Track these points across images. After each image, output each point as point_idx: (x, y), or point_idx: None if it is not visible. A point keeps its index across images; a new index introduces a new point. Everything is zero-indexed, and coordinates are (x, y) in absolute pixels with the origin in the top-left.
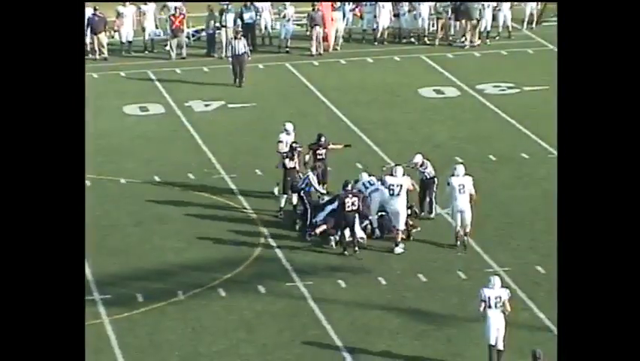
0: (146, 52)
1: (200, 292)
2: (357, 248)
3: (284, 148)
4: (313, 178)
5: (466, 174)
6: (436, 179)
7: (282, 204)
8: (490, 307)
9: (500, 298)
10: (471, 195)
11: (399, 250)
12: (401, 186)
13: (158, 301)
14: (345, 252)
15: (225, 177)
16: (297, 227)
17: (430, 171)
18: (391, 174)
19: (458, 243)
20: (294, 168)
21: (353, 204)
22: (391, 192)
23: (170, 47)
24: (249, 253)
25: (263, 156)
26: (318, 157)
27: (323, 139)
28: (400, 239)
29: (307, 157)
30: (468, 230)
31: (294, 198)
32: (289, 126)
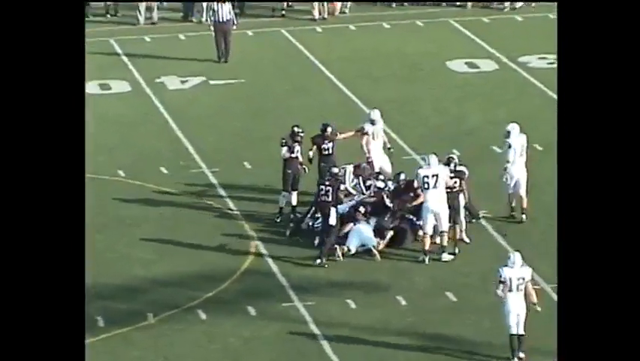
0: (108, 15)
1: (175, 314)
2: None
3: (370, 143)
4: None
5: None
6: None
7: (281, 205)
8: (511, 290)
9: (523, 279)
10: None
11: (446, 257)
12: (437, 176)
13: (123, 326)
14: (318, 260)
15: (206, 172)
16: (288, 232)
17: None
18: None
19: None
20: (296, 158)
21: (327, 193)
22: (425, 185)
23: (138, 9)
24: (236, 265)
25: (253, 144)
26: (324, 152)
27: (329, 129)
28: (446, 243)
29: (310, 153)
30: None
31: (294, 197)
32: (375, 114)
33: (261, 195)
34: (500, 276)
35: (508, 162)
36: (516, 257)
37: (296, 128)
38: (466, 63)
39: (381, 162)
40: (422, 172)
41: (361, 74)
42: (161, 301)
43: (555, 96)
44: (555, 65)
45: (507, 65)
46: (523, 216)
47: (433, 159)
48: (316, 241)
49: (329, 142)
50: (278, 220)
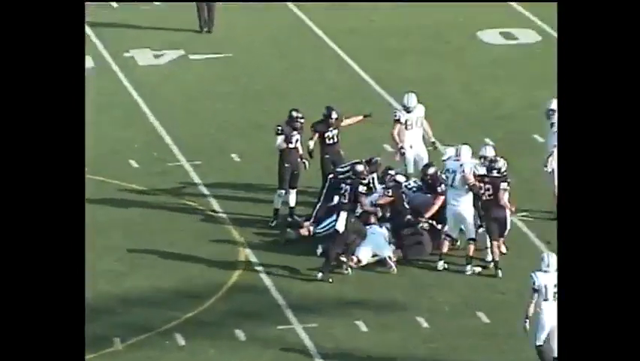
0: None
1: (148, 338)
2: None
3: (402, 133)
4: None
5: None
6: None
7: (277, 205)
8: (546, 299)
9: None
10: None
11: (470, 270)
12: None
13: (86, 352)
14: (320, 273)
15: (185, 165)
16: (283, 239)
17: (500, 166)
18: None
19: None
20: (295, 149)
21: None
22: (453, 182)
23: None
24: (222, 279)
25: (242, 133)
26: (328, 142)
27: (334, 115)
28: (472, 253)
29: (311, 143)
30: (472, 245)
31: (292, 197)
32: (411, 99)
33: (252, 194)
34: (534, 283)
35: (554, 146)
36: (551, 259)
37: (294, 113)
38: (501, 34)
39: (416, 155)
40: (450, 165)
41: (376, 49)
42: (130, 323)
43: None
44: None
45: (551, 37)
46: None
47: (465, 150)
48: (319, 250)
49: (334, 129)
50: (273, 225)
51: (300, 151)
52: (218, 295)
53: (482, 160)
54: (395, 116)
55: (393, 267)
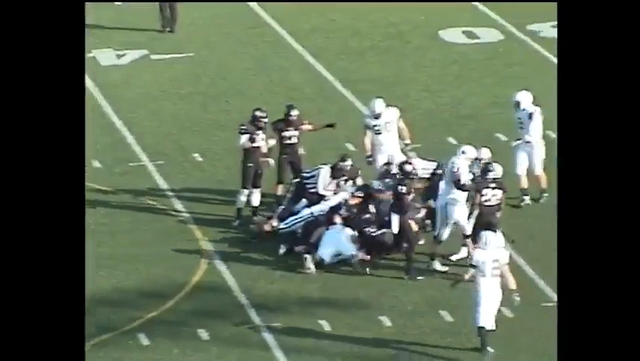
0: None
1: (111, 338)
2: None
3: (372, 139)
4: (324, 176)
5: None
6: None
7: (240, 205)
8: (484, 275)
9: (498, 261)
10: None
11: (438, 265)
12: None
13: None
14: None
15: (148, 165)
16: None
17: (498, 173)
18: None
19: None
20: (258, 148)
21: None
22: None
23: None
24: (185, 279)
25: (205, 132)
26: (286, 142)
27: (294, 114)
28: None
29: (271, 142)
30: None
31: (256, 196)
32: (378, 105)
33: (214, 193)
34: (472, 259)
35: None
36: (489, 238)
37: (258, 113)
38: (463, 33)
39: (390, 158)
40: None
41: (338, 48)
42: (93, 323)
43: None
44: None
45: (514, 35)
46: (544, 195)
47: (485, 152)
48: (281, 250)
49: (293, 129)
50: (236, 224)
51: (264, 150)
52: (181, 295)
53: (477, 162)
54: (364, 122)
55: (359, 266)
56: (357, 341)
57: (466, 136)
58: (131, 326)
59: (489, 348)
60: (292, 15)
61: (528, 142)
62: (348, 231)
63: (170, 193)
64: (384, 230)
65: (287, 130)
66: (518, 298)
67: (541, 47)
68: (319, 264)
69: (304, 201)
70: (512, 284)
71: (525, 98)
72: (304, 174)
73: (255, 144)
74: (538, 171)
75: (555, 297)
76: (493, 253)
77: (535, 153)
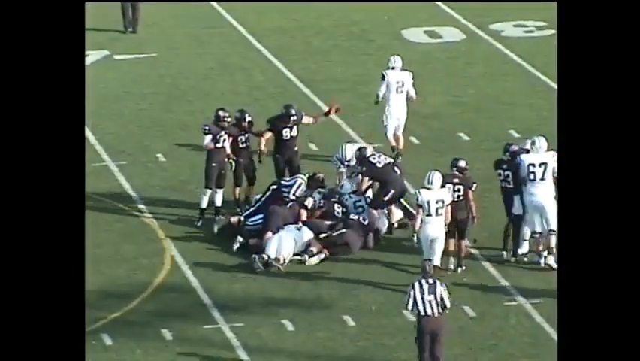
0: None
1: None
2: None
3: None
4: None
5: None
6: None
7: (203, 205)
8: (430, 214)
9: (443, 202)
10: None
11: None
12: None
13: None
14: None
15: (110, 165)
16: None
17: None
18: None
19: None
20: (222, 148)
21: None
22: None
23: None
24: (148, 279)
25: (168, 133)
26: (284, 138)
27: (294, 112)
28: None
29: (263, 141)
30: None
31: (219, 196)
32: (396, 61)
33: (177, 193)
34: (417, 199)
35: (378, 96)
36: (434, 177)
37: (221, 113)
38: (425, 32)
39: None
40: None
41: (300, 47)
42: None
43: (533, 71)
44: (534, 34)
45: (476, 35)
46: (399, 158)
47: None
48: (235, 245)
49: (292, 126)
50: (198, 224)
51: (228, 151)
52: (144, 295)
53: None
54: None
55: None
56: (320, 341)
57: (428, 135)
58: (94, 327)
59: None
60: (255, 15)
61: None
62: (309, 232)
63: (133, 193)
64: (344, 230)
65: (285, 128)
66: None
67: (503, 47)
68: (268, 263)
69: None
70: (448, 219)
71: (396, 61)
72: (283, 182)
73: (218, 145)
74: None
75: (518, 297)
76: (437, 193)
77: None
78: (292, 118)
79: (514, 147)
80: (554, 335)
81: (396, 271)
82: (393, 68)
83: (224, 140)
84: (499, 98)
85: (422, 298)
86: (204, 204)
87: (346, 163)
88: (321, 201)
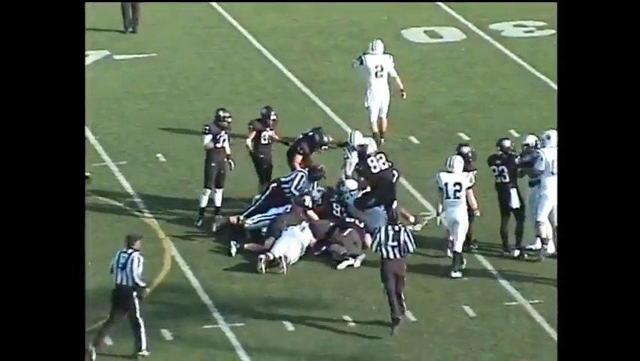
0: None
1: None
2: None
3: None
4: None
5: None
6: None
7: (203, 205)
8: (448, 197)
9: (461, 185)
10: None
11: (456, 274)
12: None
13: None
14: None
15: (111, 165)
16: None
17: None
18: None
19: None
20: (222, 148)
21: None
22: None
23: None
24: (148, 279)
25: (168, 133)
26: (263, 142)
27: (272, 116)
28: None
29: (249, 141)
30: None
31: (218, 196)
32: (376, 45)
33: (177, 193)
34: (439, 181)
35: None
36: (455, 161)
37: (221, 113)
38: (425, 32)
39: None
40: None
41: (300, 48)
42: None
43: (533, 71)
44: (534, 34)
45: (476, 35)
46: (382, 140)
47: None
48: (233, 250)
49: (270, 129)
50: (198, 224)
51: (228, 151)
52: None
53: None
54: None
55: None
56: (320, 341)
57: (428, 135)
58: (95, 326)
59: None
60: (255, 15)
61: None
62: (307, 234)
63: (133, 193)
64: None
65: (265, 130)
66: (479, 214)
67: (503, 47)
68: (273, 263)
69: (273, 210)
70: (474, 205)
71: (378, 44)
72: (282, 179)
73: (218, 145)
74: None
75: (518, 297)
76: (456, 176)
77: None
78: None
79: (507, 143)
80: (554, 335)
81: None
82: (373, 53)
83: (224, 140)
84: (499, 98)
85: (386, 244)
86: (204, 203)
87: (355, 148)
88: (320, 200)
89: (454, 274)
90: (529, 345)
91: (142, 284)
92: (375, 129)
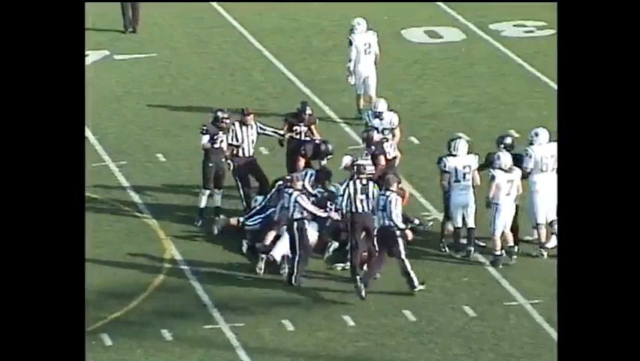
0: None
1: None
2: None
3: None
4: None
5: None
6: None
7: (202, 205)
8: (457, 180)
9: (470, 167)
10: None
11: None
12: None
13: None
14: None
15: (111, 165)
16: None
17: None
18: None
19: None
20: (220, 149)
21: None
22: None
23: None
24: (148, 279)
25: (168, 133)
26: (296, 136)
27: (308, 110)
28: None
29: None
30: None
31: (217, 197)
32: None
33: (177, 193)
34: (444, 165)
35: (350, 60)
36: (459, 144)
37: (220, 114)
38: (425, 32)
39: None
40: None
41: (301, 47)
42: None
43: (533, 71)
44: (534, 34)
45: (476, 35)
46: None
47: (545, 133)
48: (244, 247)
49: (304, 125)
50: (198, 224)
51: (226, 151)
52: (144, 295)
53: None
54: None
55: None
56: (320, 341)
57: (428, 135)
58: (95, 327)
59: (470, 247)
60: (255, 15)
61: None
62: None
63: (133, 193)
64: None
65: (297, 125)
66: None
67: (503, 47)
68: (272, 264)
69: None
70: (478, 182)
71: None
72: (288, 178)
73: (215, 145)
74: (372, 92)
75: (518, 297)
76: (463, 159)
77: None
78: (305, 116)
79: (509, 140)
80: (554, 335)
81: (396, 270)
82: (359, 32)
83: (221, 140)
84: (499, 98)
85: (354, 197)
86: (203, 204)
87: (379, 114)
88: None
89: (458, 255)
90: (529, 345)
91: (401, 226)
92: (362, 105)
